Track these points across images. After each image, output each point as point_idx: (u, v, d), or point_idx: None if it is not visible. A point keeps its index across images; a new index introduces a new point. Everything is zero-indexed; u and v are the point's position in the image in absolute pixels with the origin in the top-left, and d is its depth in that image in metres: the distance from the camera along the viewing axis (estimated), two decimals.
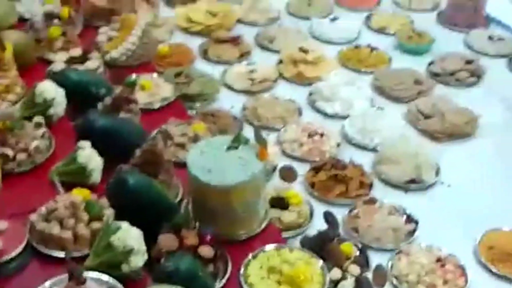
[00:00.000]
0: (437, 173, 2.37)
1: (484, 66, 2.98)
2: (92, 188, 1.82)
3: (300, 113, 2.66)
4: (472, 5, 3.30)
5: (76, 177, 1.85)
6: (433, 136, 2.57)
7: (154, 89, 2.46)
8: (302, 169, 2.31)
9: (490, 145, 2.56)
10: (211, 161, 1.77)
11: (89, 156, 1.85)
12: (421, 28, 3.25)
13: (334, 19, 3.27)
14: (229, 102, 2.69)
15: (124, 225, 1.57)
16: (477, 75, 2.93)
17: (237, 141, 1.82)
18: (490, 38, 3.21)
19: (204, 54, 2.99)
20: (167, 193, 1.78)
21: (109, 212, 1.67)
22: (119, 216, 1.66)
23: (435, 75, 2.93)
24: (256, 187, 1.79)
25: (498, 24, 3.41)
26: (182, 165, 1.88)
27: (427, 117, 2.63)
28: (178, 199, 1.90)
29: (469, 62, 2.96)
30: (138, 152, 1.84)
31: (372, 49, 3.07)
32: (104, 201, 1.71)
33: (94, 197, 1.73)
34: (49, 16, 2.61)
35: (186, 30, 3.16)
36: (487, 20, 3.40)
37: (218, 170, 1.74)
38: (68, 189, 1.77)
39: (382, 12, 3.45)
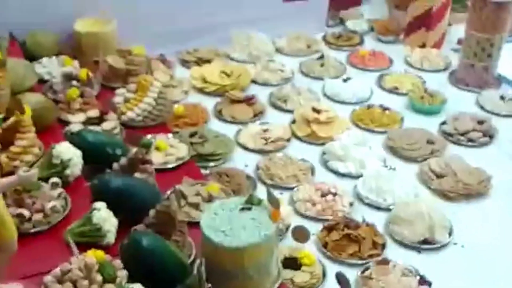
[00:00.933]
0: (450, 233, 2.37)
1: (496, 126, 3.00)
2: (107, 248, 1.83)
3: (313, 172, 2.68)
4: (483, 65, 3.34)
5: (91, 238, 1.87)
6: (446, 195, 2.58)
7: (169, 149, 2.49)
8: (315, 229, 2.32)
9: (503, 205, 2.56)
10: (224, 222, 1.78)
11: (104, 217, 1.87)
12: (433, 88, 3.29)
13: (346, 79, 3.32)
14: (243, 162, 2.72)
15: (137, 287, 1.58)
16: (489, 135, 2.96)
17: (250, 202, 1.83)
18: (502, 98, 3.25)
19: (219, 114, 3.04)
20: (180, 254, 1.79)
21: (122, 274, 1.68)
22: (132, 278, 1.67)
23: (447, 135, 2.95)
24: (269, 248, 1.80)
25: (509, 84, 3.45)
26: (195, 225, 1.89)
27: (439, 176, 2.64)
28: (191, 259, 1.90)
29: (481, 122, 2.98)
30: (152, 212, 1.86)
31: (385, 109, 3.11)
32: (118, 262, 1.72)
33: (109, 258, 1.73)
34: (68, 78, 2.68)
35: (201, 90, 3.22)
36: (498, 80, 3.43)
37: (231, 231, 1.75)
38: (83, 250, 1.78)
39: (394, 72, 3.50)
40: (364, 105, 3.16)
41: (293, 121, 2.99)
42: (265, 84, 3.34)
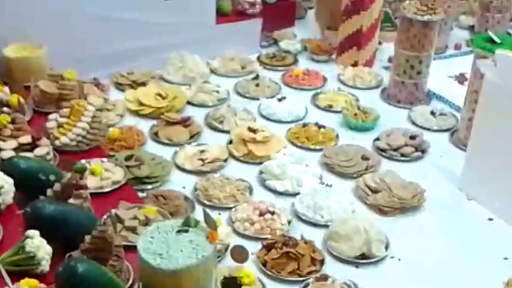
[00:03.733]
0: (387, 247, 2.41)
1: (427, 141, 3.08)
2: (41, 277, 1.79)
3: (251, 191, 2.69)
4: (413, 82, 3.43)
5: (24, 267, 1.83)
6: (381, 210, 2.63)
7: (104, 173, 2.46)
8: (254, 248, 2.32)
9: (436, 217, 2.63)
10: (161, 245, 1.78)
11: (37, 245, 1.83)
12: (366, 105, 3.36)
13: (281, 99, 3.36)
14: (181, 183, 2.72)
15: None
16: (421, 150, 3.03)
17: (187, 224, 1.83)
18: (432, 113, 3.34)
19: (155, 136, 3.03)
20: (117, 279, 1.77)
21: None
22: None
23: (381, 151, 3.01)
24: (207, 270, 1.80)
25: (439, 99, 3.55)
26: (133, 249, 1.87)
27: (375, 192, 2.69)
28: (129, 284, 1.88)
29: (413, 137, 3.05)
30: (88, 238, 1.83)
31: (320, 126, 3.15)
32: None
33: (43, 287, 1.70)
34: None
35: (136, 113, 3.20)
36: (428, 96, 3.53)
37: (168, 254, 1.75)
38: (17, 279, 1.74)
39: (328, 91, 3.56)
40: (300, 124, 3.20)
41: (230, 141, 3.00)
42: (201, 105, 3.34)
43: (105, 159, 2.58)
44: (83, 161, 2.44)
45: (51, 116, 2.70)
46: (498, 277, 2.26)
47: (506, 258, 2.42)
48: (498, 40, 2.88)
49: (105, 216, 2.19)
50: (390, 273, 2.33)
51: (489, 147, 2.63)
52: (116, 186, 2.45)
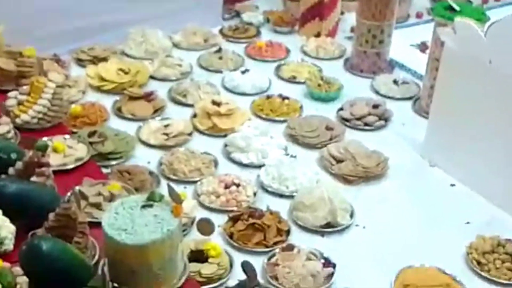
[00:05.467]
0: (352, 215, 2.44)
1: (390, 110, 3.11)
2: (4, 256, 1.78)
3: (216, 165, 2.69)
4: (376, 51, 3.45)
5: None
6: (346, 179, 2.65)
7: (67, 150, 2.44)
8: (220, 220, 2.33)
9: (399, 185, 2.67)
10: (126, 220, 1.77)
11: (0, 224, 1.82)
12: (329, 75, 3.37)
13: (245, 71, 3.35)
14: (146, 158, 2.70)
15: None
16: (384, 119, 3.06)
17: (151, 199, 1.83)
18: (395, 82, 3.36)
19: (118, 112, 3.00)
20: (82, 256, 1.76)
21: (22, 281, 1.64)
22: (34, 284, 1.63)
23: (345, 120, 3.03)
24: (173, 244, 1.80)
25: (401, 68, 3.58)
26: (98, 225, 1.86)
27: (339, 161, 2.71)
28: (95, 260, 1.88)
29: (376, 106, 3.08)
30: (52, 216, 1.82)
31: (284, 98, 3.16)
32: (17, 269, 1.68)
33: (7, 266, 1.69)
34: None
35: (98, 89, 3.17)
36: (391, 65, 3.56)
37: (133, 229, 1.74)
38: None
39: (291, 62, 3.56)
40: (264, 96, 3.20)
41: (194, 115, 2.98)
42: (164, 79, 3.31)
43: (67, 136, 2.55)
44: (45, 138, 2.42)
45: (10, 94, 2.65)
46: (461, 242, 2.31)
47: (468, 223, 2.46)
48: (457, 8, 2.90)
49: (68, 194, 2.17)
50: (355, 241, 2.36)
51: (450, 114, 2.67)
52: (79, 163, 2.43)
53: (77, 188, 2.19)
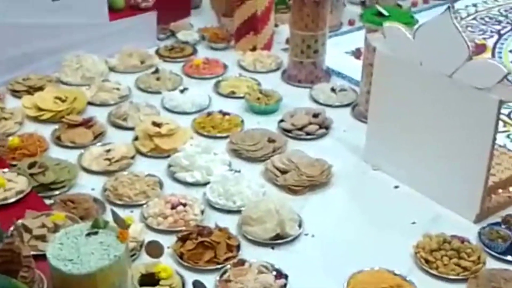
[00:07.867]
0: (300, 225, 2.46)
1: (330, 117, 3.15)
2: None
3: (161, 186, 2.68)
4: (311, 61, 3.49)
5: None
6: (291, 190, 2.67)
7: (7, 184, 2.40)
8: (169, 241, 2.32)
9: (343, 191, 2.70)
10: (71, 250, 1.76)
11: None
12: (268, 88, 3.40)
13: (184, 90, 3.34)
14: (89, 185, 2.67)
15: None
16: (325, 127, 3.09)
17: (96, 226, 1.82)
18: (333, 89, 3.41)
19: (58, 141, 2.96)
20: None
21: None
22: None
23: (286, 131, 3.06)
24: (121, 269, 1.79)
25: (338, 75, 3.63)
26: (44, 257, 1.83)
27: (284, 172, 2.73)
28: None
29: (316, 115, 3.11)
30: None
31: (224, 114, 3.17)
32: None
33: None
34: None
35: (36, 119, 3.12)
36: (327, 73, 3.61)
37: (79, 258, 1.73)
38: None
39: (229, 77, 3.57)
40: (204, 113, 3.20)
41: (136, 138, 2.97)
42: (102, 104, 3.28)
43: (6, 170, 2.50)
44: None
45: None
46: (408, 242, 2.35)
47: (414, 223, 2.51)
48: (386, 13, 2.97)
49: (11, 228, 2.13)
50: (305, 250, 2.38)
51: (387, 117, 2.72)
52: (21, 196, 2.39)
53: (19, 221, 2.15)
